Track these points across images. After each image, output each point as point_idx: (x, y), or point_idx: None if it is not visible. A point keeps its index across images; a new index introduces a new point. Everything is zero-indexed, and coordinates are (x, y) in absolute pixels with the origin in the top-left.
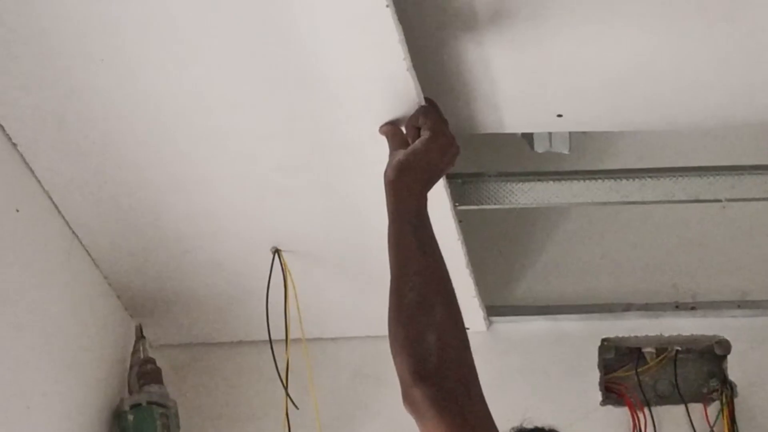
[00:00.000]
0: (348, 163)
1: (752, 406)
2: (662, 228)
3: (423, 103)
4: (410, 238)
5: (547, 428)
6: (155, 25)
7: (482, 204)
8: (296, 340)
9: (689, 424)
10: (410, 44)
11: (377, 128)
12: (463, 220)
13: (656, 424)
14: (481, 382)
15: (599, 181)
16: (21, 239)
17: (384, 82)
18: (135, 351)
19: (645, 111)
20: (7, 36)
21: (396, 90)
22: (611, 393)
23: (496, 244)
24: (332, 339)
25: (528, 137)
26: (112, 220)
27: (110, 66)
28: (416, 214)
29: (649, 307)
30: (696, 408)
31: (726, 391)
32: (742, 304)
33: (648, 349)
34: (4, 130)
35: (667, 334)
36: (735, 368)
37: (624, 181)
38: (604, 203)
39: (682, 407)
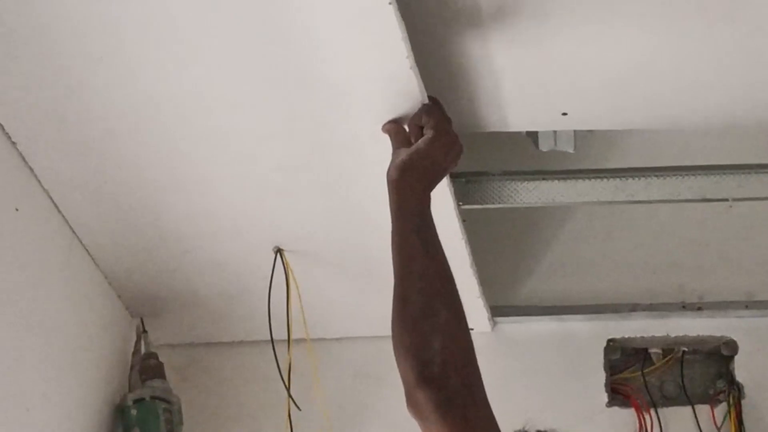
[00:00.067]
0: (350, 162)
1: (760, 408)
2: (668, 227)
3: (426, 101)
4: (413, 238)
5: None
6: (155, 24)
7: (486, 203)
8: (298, 341)
9: (696, 425)
10: (413, 41)
11: (379, 127)
12: (466, 220)
13: (663, 425)
14: (486, 383)
15: (604, 180)
16: (20, 239)
17: (386, 80)
18: (137, 346)
19: (650, 109)
20: (6, 35)
21: (399, 88)
22: (617, 394)
23: (500, 243)
24: (334, 339)
25: (532, 136)
26: (113, 219)
27: (110, 65)
28: (419, 213)
29: (655, 308)
30: (703, 409)
31: (733, 392)
32: (750, 305)
33: (654, 350)
34: (3, 129)
35: (673, 335)
36: (742, 369)
37: (629, 180)
38: (610, 202)
39: (688, 409)
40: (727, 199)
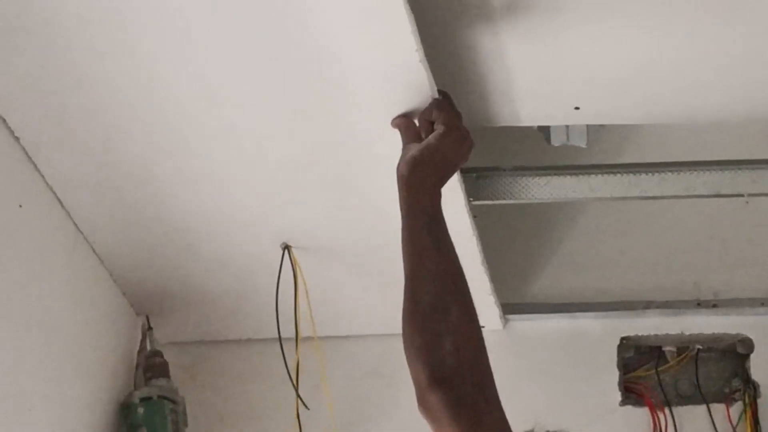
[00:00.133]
0: (359, 158)
1: None
2: (683, 223)
3: (436, 95)
4: (424, 234)
5: None
6: (160, 18)
7: (497, 199)
8: (306, 339)
9: (711, 424)
10: (423, 35)
11: (389, 122)
12: (477, 216)
13: (677, 424)
14: (497, 382)
15: (617, 175)
16: (24, 235)
17: (396, 74)
18: (142, 344)
19: (663, 103)
20: (9, 28)
21: (408, 82)
22: (631, 393)
23: (511, 240)
24: (343, 337)
25: (544, 130)
26: (117, 215)
27: (114, 60)
28: (430, 210)
29: (669, 305)
30: (718, 408)
31: (749, 391)
32: (766, 302)
33: (669, 348)
34: (6, 123)
35: (688, 333)
36: (758, 368)
37: (643, 175)
38: (623, 198)
39: (703, 407)
40: (742, 195)
